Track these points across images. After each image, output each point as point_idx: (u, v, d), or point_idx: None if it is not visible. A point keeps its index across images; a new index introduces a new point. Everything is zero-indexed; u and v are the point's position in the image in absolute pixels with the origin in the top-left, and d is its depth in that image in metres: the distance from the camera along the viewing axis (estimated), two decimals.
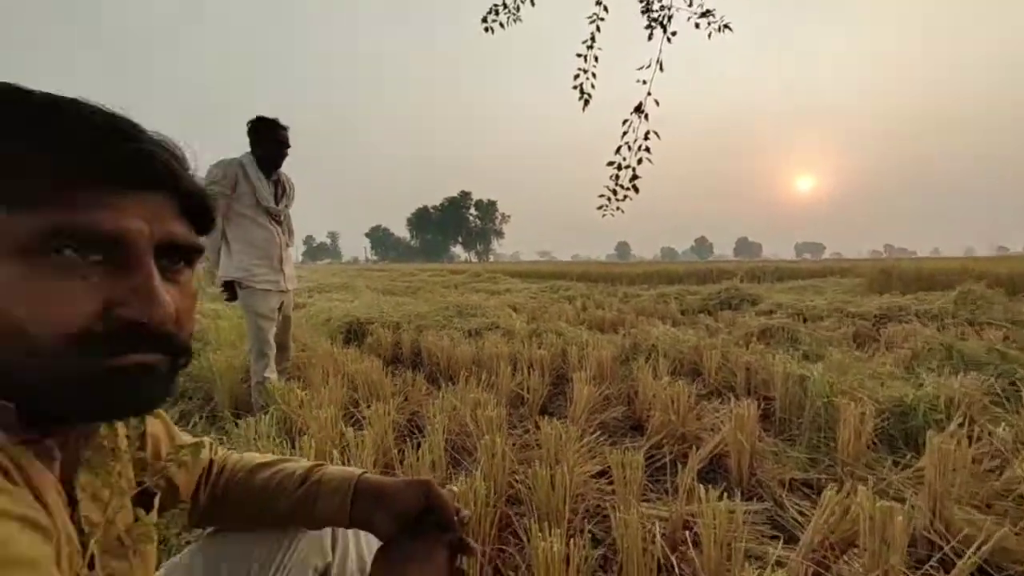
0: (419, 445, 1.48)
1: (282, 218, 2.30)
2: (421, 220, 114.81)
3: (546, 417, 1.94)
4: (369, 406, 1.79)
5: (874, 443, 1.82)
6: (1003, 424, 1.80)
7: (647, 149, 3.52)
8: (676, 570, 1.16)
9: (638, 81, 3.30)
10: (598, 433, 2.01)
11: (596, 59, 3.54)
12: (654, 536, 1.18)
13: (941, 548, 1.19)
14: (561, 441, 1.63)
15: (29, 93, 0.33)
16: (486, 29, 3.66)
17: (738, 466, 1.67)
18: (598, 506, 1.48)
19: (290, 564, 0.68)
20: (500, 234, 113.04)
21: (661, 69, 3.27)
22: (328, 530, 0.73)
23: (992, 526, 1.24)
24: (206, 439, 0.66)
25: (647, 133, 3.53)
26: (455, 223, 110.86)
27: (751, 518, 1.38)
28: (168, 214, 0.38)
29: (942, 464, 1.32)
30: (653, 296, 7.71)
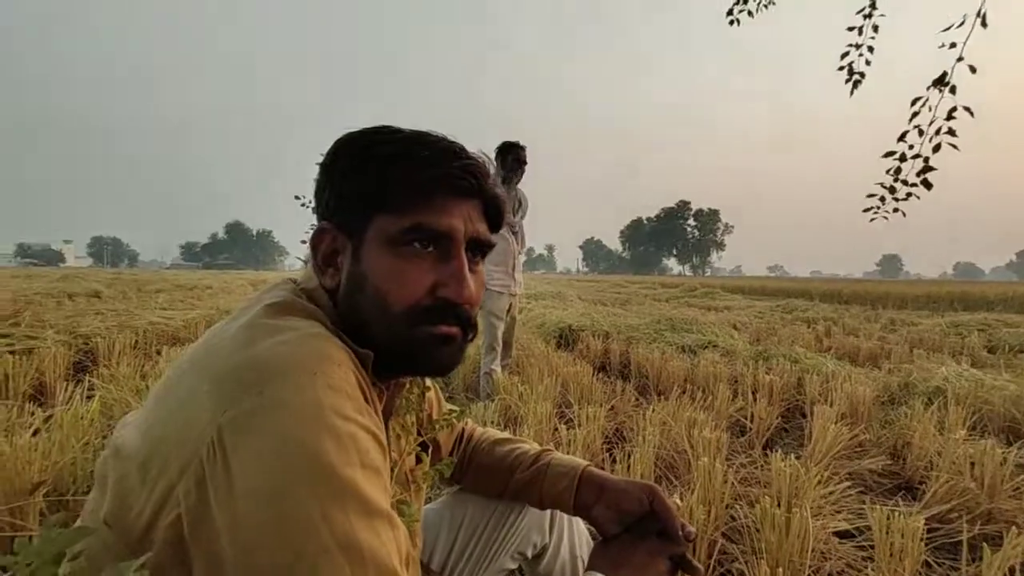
0: (629, 454, 1.47)
1: (516, 229, 2.62)
2: (635, 232, 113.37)
3: (776, 452, 1.70)
4: (580, 408, 1.87)
5: None
6: None
7: (951, 131, 2.72)
8: None
9: (941, 46, 2.58)
10: (847, 484, 1.65)
11: (875, 29, 2.91)
12: None
13: None
14: (797, 482, 1.40)
15: (399, 130, 0.48)
16: (731, 22, 3.42)
17: None
18: (842, 573, 1.22)
19: (516, 532, 0.76)
20: (721, 246, 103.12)
21: (984, 25, 2.48)
22: (548, 513, 0.78)
23: None
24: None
25: (952, 110, 2.71)
26: (670, 234, 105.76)
27: None
28: (477, 216, 0.49)
29: None
30: (941, 325, 5.91)
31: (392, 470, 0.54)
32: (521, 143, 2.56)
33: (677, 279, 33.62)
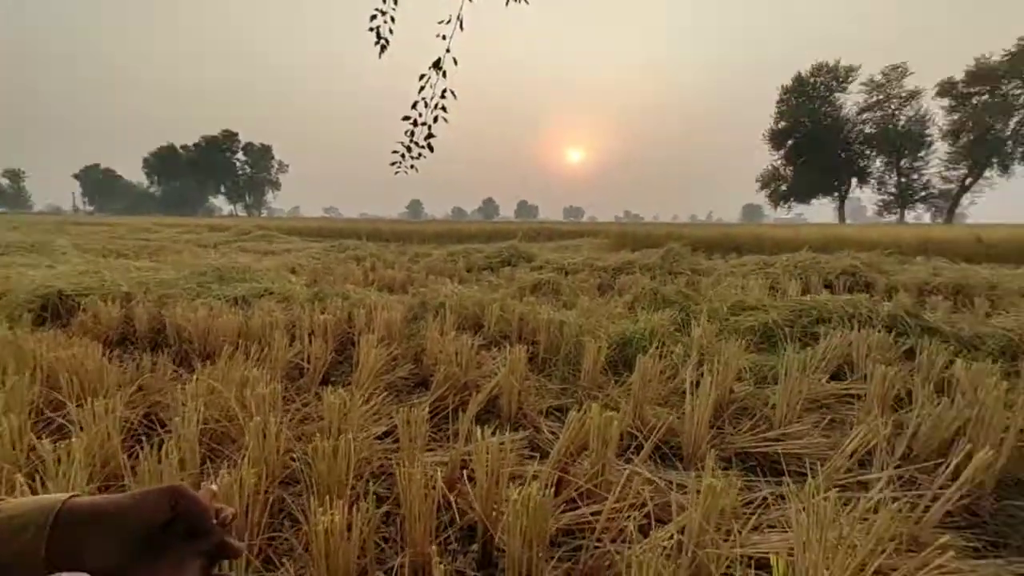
0: (161, 444, 1.23)
1: None
2: (166, 162, 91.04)
3: (329, 387, 1.86)
4: (80, 405, 1.40)
5: (605, 369, 2.31)
6: (679, 344, 2.50)
7: (443, 108, 3.50)
8: (454, 506, 1.28)
9: (438, 36, 3.20)
10: (385, 395, 2.02)
11: (396, 0, 3.27)
12: (435, 482, 1.27)
13: (637, 437, 1.62)
14: (345, 409, 1.58)
15: None
16: None
17: (508, 404, 1.91)
18: (381, 466, 1.51)
19: None
20: (276, 185, 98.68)
21: (461, 28, 3.22)
22: None
23: (666, 414, 1.74)
24: None
25: (444, 91, 3.50)
26: (216, 169, 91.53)
27: (516, 446, 1.62)
28: None
29: (642, 378, 1.77)
30: (443, 255, 7.97)
31: None
32: None
33: (229, 220, 30.07)
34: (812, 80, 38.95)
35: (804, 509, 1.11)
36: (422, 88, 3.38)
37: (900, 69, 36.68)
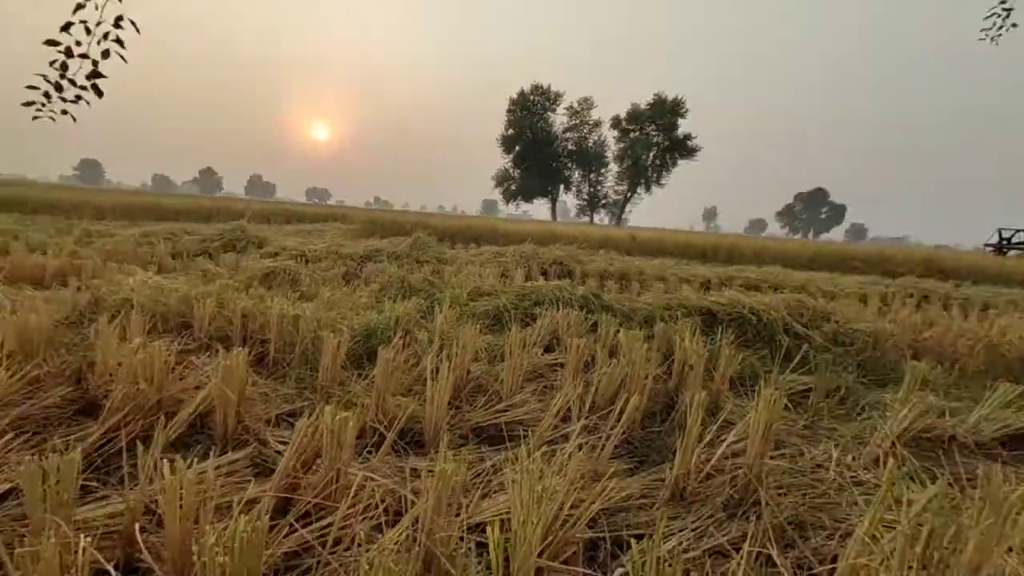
0: None
1: None
2: None
3: None
4: None
5: (347, 364, 2.19)
6: (424, 331, 2.58)
7: (119, 41, 2.61)
8: (135, 563, 0.98)
9: None
10: (13, 435, 1.40)
11: None
12: (79, 550, 0.94)
13: (377, 431, 1.59)
14: None
15: None
16: None
17: (224, 419, 1.59)
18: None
19: None
20: None
21: None
22: None
23: (409, 403, 1.77)
24: None
25: (119, 18, 2.59)
26: None
27: (231, 468, 1.36)
28: None
29: (385, 370, 1.74)
30: (135, 236, 6.17)
31: None
32: None
33: None
34: (532, 97, 46.05)
35: (518, 470, 1.27)
36: (80, 6, 2.47)
37: (589, 101, 47.03)
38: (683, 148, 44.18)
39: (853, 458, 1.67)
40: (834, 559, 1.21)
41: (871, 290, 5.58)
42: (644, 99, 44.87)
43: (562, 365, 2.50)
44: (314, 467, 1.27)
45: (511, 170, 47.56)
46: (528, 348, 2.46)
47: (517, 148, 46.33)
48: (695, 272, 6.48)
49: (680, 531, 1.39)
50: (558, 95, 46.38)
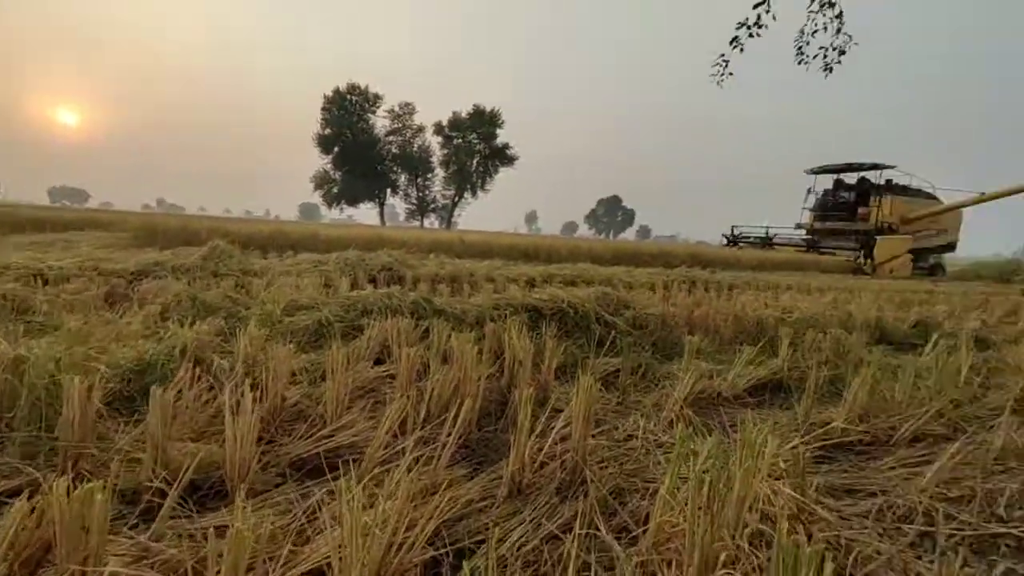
0: None
1: None
2: None
3: None
4: None
5: (106, 412, 1.70)
6: (225, 357, 2.17)
7: None
8: None
9: None
10: None
11: None
12: None
13: (163, 492, 1.26)
14: None
15: None
16: None
17: None
18: None
19: None
20: None
21: None
22: None
23: (203, 447, 1.45)
24: None
25: None
26: None
27: None
28: None
29: (163, 411, 1.39)
30: None
31: None
32: None
33: None
34: (349, 97, 43.67)
35: (349, 500, 1.13)
36: None
37: (410, 106, 46.72)
38: (503, 156, 47.13)
39: (654, 424, 1.94)
40: (646, 518, 1.37)
41: (657, 280, 6.72)
42: (464, 108, 46.54)
43: (394, 377, 2.37)
44: (47, 560, 0.92)
45: (332, 172, 44.40)
46: (355, 363, 2.27)
47: (336, 149, 43.46)
48: (521, 272, 6.92)
49: (519, 525, 1.41)
50: (378, 97, 44.94)
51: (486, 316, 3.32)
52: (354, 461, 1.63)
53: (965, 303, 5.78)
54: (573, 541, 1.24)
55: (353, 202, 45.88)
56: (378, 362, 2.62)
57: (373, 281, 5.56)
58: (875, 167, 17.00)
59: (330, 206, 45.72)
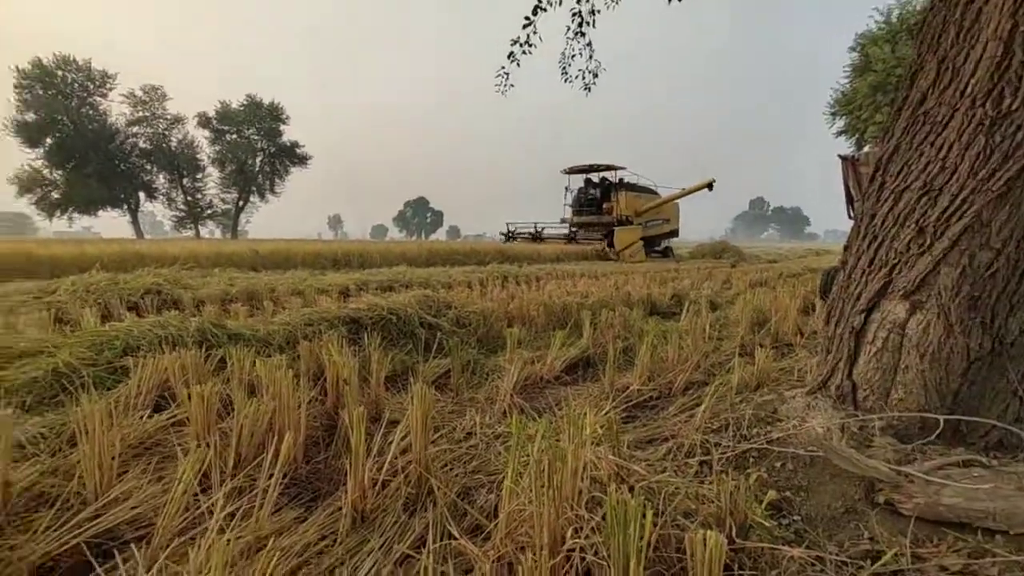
0: None
1: None
2: None
3: None
4: None
5: None
6: None
7: None
8: None
9: None
10: None
11: None
12: None
13: None
14: None
15: None
16: None
17: None
18: None
19: None
20: None
21: None
22: None
23: None
24: None
25: None
26: None
27: None
28: None
29: None
30: None
31: None
32: None
33: None
34: (61, 73, 33.51)
35: None
36: None
37: (160, 91, 37.97)
38: (292, 155, 42.60)
39: (490, 418, 2.02)
40: (496, 510, 1.42)
41: (473, 277, 7.01)
42: (234, 98, 40.20)
43: (183, 423, 1.93)
44: None
45: (47, 171, 33.60)
46: (122, 416, 1.78)
47: (50, 141, 33.02)
48: (332, 281, 6.39)
49: (369, 555, 1.31)
50: (107, 76, 35.44)
51: (297, 335, 2.97)
52: (140, 539, 1.28)
53: (699, 277, 7.58)
54: (428, 556, 1.21)
55: (89, 209, 35.61)
56: (158, 409, 2.10)
57: (135, 308, 4.43)
58: (610, 168, 19.56)
59: (50, 216, 34.61)
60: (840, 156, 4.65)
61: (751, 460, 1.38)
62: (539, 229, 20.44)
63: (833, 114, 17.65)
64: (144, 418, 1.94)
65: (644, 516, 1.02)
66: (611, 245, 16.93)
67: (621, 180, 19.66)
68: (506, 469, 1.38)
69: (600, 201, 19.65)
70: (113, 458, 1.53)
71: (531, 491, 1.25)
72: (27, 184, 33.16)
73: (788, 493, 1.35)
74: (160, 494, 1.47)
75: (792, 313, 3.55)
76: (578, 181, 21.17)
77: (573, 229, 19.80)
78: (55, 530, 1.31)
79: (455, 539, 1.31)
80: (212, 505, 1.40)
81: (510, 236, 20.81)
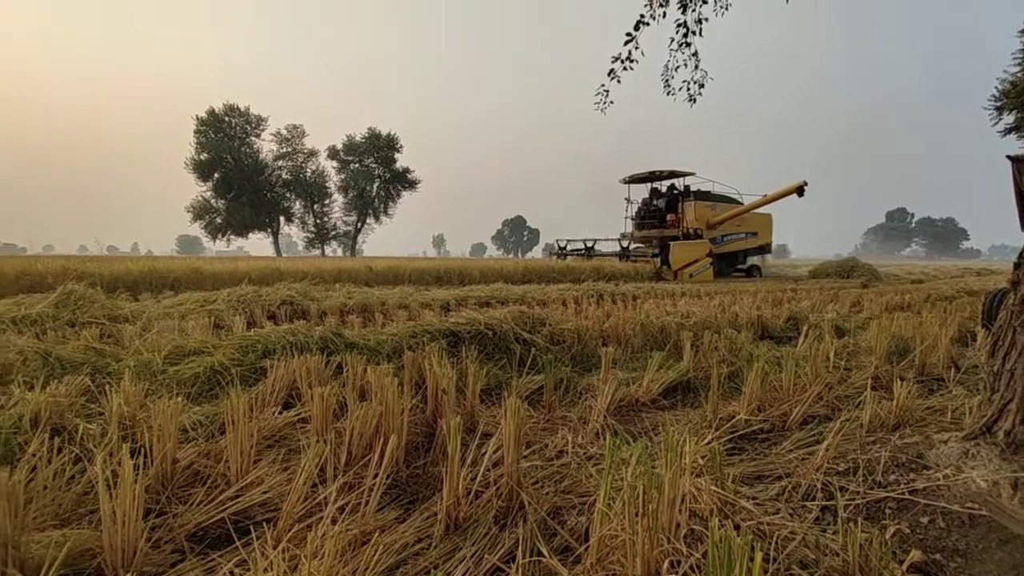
0: None
1: None
2: None
3: None
4: None
5: None
6: (93, 421, 1.83)
7: None
8: None
9: None
10: None
11: None
12: None
13: None
14: None
15: None
16: None
17: None
18: None
19: None
20: None
21: None
22: None
23: (72, 535, 1.19)
24: None
25: None
26: None
27: None
28: None
29: (12, 500, 1.13)
30: None
31: None
32: None
33: None
34: (227, 119, 40.39)
35: (266, 568, 1.00)
36: None
37: (299, 128, 44.36)
38: (404, 180, 46.45)
39: (582, 437, 1.98)
40: (587, 533, 1.38)
41: (568, 295, 7.00)
42: (358, 132, 45.35)
43: (307, 420, 2.17)
44: None
45: (213, 200, 40.44)
46: (259, 410, 2.05)
47: (217, 175, 39.77)
48: (434, 296, 6.80)
49: (460, 563, 1.35)
50: (261, 119, 42.12)
51: (403, 345, 3.20)
52: (268, 522, 1.46)
53: (821, 298, 6.78)
54: (518, 571, 1.22)
55: (242, 232, 42.11)
56: (287, 406, 2.39)
57: (273, 318, 5.11)
58: (672, 175, 17.18)
59: (214, 238, 41.49)
60: (1009, 157, 3.90)
61: (887, 511, 1.18)
62: (590, 245, 18.44)
63: (999, 108, 14.93)
64: (275, 413, 2.22)
65: (752, 558, 0.92)
66: (665, 263, 14.70)
67: (687, 188, 17.25)
68: (598, 492, 1.34)
69: (664, 213, 17.32)
70: (251, 447, 1.76)
71: (624, 517, 1.20)
72: (199, 212, 40.24)
73: (938, 556, 1.14)
74: (285, 483, 1.66)
75: (943, 342, 3.01)
76: (643, 192, 18.71)
77: (624, 244, 17.46)
78: (205, 505, 1.54)
79: (544, 558, 1.30)
80: (327, 497, 1.55)
81: (562, 253, 18.94)
